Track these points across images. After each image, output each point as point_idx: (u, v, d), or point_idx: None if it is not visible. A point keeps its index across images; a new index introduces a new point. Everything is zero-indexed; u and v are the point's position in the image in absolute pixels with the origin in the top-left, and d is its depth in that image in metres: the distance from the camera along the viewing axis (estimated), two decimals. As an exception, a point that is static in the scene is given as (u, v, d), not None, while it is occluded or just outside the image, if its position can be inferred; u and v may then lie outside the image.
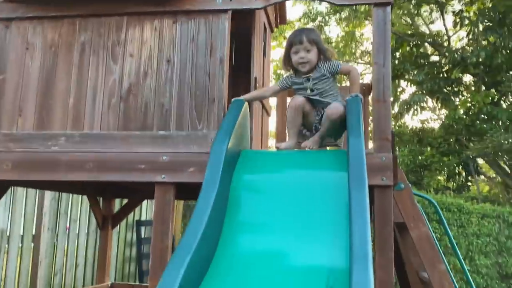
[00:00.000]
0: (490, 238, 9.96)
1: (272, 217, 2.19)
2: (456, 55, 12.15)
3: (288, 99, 3.94)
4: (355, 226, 1.78)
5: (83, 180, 2.69)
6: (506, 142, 11.12)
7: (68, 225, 6.06)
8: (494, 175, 15.28)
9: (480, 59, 11.63)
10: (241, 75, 4.23)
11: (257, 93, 3.25)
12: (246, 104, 2.68)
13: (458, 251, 2.81)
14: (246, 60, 3.91)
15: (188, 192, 3.29)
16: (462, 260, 2.82)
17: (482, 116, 12.29)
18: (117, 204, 4.77)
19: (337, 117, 2.57)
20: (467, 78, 14.18)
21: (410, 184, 2.77)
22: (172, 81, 2.72)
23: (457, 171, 13.89)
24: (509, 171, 13.23)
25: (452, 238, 2.87)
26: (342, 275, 1.82)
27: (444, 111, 14.35)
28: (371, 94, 2.69)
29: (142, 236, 7.23)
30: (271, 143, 6.35)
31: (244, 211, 2.24)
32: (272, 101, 4.96)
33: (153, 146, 2.65)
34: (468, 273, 2.79)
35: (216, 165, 2.16)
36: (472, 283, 2.82)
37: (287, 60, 2.82)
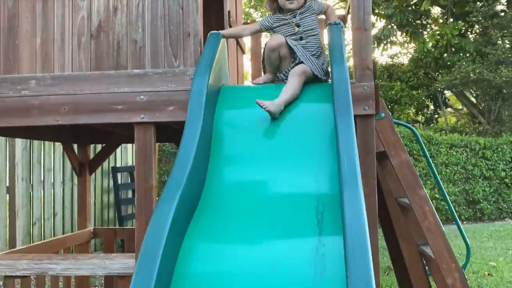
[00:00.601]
0: (458, 166, 10.36)
1: (257, 150, 2.19)
2: (425, -13, 12.04)
3: (263, 42, 3.82)
4: (343, 151, 1.79)
5: (58, 124, 2.60)
6: (473, 73, 11.32)
7: (42, 177, 5.97)
8: (460, 107, 15.67)
9: (449, -10, 11.59)
10: (212, 11, 4.09)
11: (234, 31, 3.13)
12: (223, 38, 2.60)
13: (437, 175, 2.89)
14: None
15: (163, 134, 3.25)
16: (441, 184, 2.91)
17: (450, 48, 12.40)
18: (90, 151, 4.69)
19: (301, 72, 2.47)
20: (436, 10, 14.15)
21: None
22: (144, 15, 2.59)
23: (426, 104, 14.17)
24: (475, 102, 13.57)
25: (431, 162, 2.94)
26: (331, 200, 1.85)
27: (413, 45, 14.40)
28: (351, 23, 2.63)
29: (119, 182, 7.21)
30: (247, 83, 6.31)
31: (229, 146, 2.23)
32: (247, 42, 4.84)
33: (129, 86, 2.56)
34: (447, 196, 2.88)
35: (198, 100, 2.11)
36: (452, 206, 2.93)
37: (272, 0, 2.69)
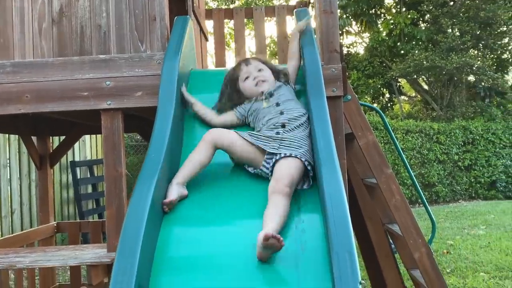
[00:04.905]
0: (413, 151, 10.70)
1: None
2: (378, -23, 12.30)
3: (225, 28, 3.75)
4: (319, 131, 1.82)
5: (19, 113, 2.50)
6: (426, 61, 11.68)
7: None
8: (414, 94, 16.15)
9: (401, -20, 11.88)
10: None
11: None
12: (191, 22, 2.57)
13: (402, 154, 2.98)
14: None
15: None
16: (408, 165, 3.00)
17: (404, 37, 12.75)
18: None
19: (289, 184, 1.77)
20: (389, 0, 14.49)
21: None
22: None
23: (381, 92, 14.53)
24: (427, 89, 14.02)
25: (397, 142, 3.02)
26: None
27: (367, 35, 14.69)
28: (317, 7, 2.65)
29: (78, 177, 7.03)
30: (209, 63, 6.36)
31: (202, 129, 2.21)
32: (209, 28, 4.80)
33: (94, 72, 2.49)
34: (414, 176, 2.97)
35: (169, 83, 2.09)
36: (418, 186, 3.03)
37: (235, 97, 2.25)
